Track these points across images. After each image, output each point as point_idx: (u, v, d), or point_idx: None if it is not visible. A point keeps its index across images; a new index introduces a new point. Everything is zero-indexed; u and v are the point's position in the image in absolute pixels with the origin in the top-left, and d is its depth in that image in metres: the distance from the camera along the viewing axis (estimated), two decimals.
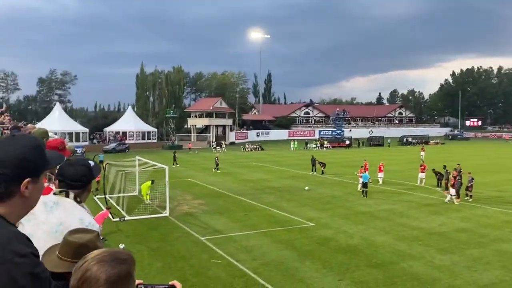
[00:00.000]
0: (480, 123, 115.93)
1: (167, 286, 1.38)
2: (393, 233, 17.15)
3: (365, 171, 26.65)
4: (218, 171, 37.55)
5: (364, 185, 25.38)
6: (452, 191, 22.86)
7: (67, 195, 2.52)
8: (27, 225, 2.28)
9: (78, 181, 2.58)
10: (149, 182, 23.68)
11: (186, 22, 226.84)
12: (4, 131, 9.71)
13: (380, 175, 30.09)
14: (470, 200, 23.14)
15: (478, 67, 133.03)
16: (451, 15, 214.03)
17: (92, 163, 2.69)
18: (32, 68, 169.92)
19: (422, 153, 46.68)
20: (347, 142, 73.68)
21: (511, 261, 13.69)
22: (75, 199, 2.53)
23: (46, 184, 1.87)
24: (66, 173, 2.56)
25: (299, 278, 12.35)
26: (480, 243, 15.72)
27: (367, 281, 12.09)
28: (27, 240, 1.54)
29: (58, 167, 2.70)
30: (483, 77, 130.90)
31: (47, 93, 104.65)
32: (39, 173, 1.69)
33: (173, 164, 41.27)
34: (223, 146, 68.25)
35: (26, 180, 1.60)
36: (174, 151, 47.73)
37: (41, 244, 1.88)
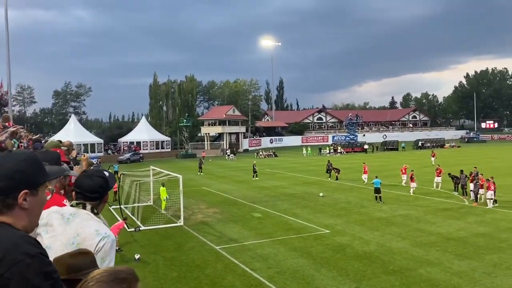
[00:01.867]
0: (496, 125, 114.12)
1: None
2: (410, 238, 16.92)
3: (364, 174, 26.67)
4: (257, 178, 37.61)
5: (377, 190, 25.11)
6: (489, 193, 22.30)
7: (84, 207, 2.55)
8: (45, 237, 2.33)
9: (95, 192, 2.61)
10: (163, 187, 23.85)
11: (198, 32, 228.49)
12: (21, 144, 9.90)
13: (404, 177, 30.91)
14: (490, 206, 22.46)
15: (492, 68, 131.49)
16: (465, 16, 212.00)
17: (107, 173, 2.73)
18: (47, 81, 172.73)
19: (433, 158, 46.14)
20: (366, 146, 73.18)
21: None
22: (92, 210, 2.56)
23: (48, 197, 1.93)
24: (84, 185, 2.59)
25: (315, 287, 12.25)
26: (500, 248, 15.40)
27: None
28: (35, 242, 1.61)
29: (75, 179, 2.76)
30: (498, 78, 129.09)
31: (63, 105, 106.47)
32: (36, 185, 1.73)
33: (199, 172, 43.45)
34: (234, 153, 68.42)
35: (22, 192, 1.66)
36: (199, 160, 48.48)
37: (58, 255, 1.92)
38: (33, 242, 1.60)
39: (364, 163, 35.69)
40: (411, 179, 27.68)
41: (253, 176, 38.16)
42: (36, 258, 1.54)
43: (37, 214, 1.79)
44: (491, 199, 22.29)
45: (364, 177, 33.23)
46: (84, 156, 7.45)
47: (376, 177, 25.87)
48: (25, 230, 1.70)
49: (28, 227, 1.73)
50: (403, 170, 31.60)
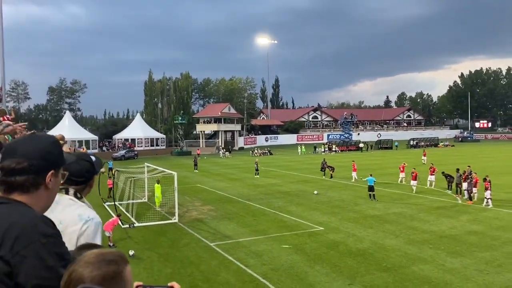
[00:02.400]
0: (490, 124, 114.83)
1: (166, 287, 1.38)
2: (403, 236, 17.03)
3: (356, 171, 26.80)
4: (258, 176, 37.61)
5: (370, 188, 25.21)
6: (487, 193, 22.32)
7: (66, 192, 2.51)
8: None
9: (82, 176, 2.57)
10: (157, 184, 23.83)
11: (194, 29, 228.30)
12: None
13: (402, 175, 31.45)
14: (490, 206, 22.52)
15: (487, 68, 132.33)
16: (459, 16, 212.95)
17: (94, 158, 2.71)
18: (42, 78, 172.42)
19: (424, 157, 46.33)
20: (361, 145, 73.47)
21: None
22: (75, 195, 2.52)
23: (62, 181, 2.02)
24: (71, 169, 2.56)
25: (308, 283, 12.31)
26: (492, 246, 15.54)
27: (377, 285, 12.00)
28: (51, 223, 1.67)
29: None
30: (492, 78, 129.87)
31: (57, 101, 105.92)
32: (59, 166, 1.86)
33: (194, 170, 43.90)
34: (229, 151, 68.42)
35: (50, 172, 1.77)
36: (194, 158, 48.47)
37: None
38: (49, 222, 1.67)
39: (353, 161, 35.92)
40: (413, 177, 27.72)
41: (255, 174, 38.23)
42: (51, 238, 1.61)
43: (54, 195, 1.89)
44: (490, 198, 22.33)
45: (354, 174, 33.66)
46: (83, 149, 7.47)
47: (371, 175, 25.96)
48: (42, 210, 1.78)
49: (45, 208, 1.82)
50: (401, 168, 31.79)
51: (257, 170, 38.50)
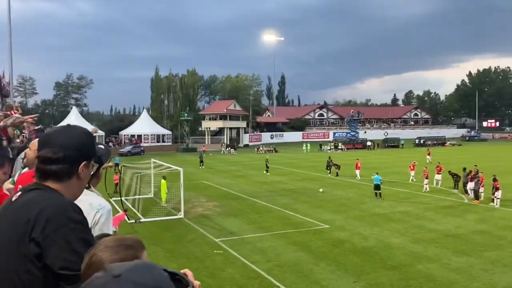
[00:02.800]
0: (497, 124, 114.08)
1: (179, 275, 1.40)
2: (409, 235, 16.99)
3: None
4: (268, 173, 37.69)
5: (376, 187, 25.14)
6: (498, 193, 22.11)
7: None
8: None
9: None
10: (163, 180, 23.94)
11: (200, 26, 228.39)
12: (23, 134, 9.94)
13: (412, 173, 31.35)
14: (497, 206, 22.43)
15: (495, 67, 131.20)
16: (468, 15, 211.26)
17: (102, 147, 2.74)
18: (49, 73, 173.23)
19: (428, 157, 46.09)
20: (369, 143, 73.29)
21: None
22: None
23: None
24: None
25: (313, 280, 12.33)
26: (498, 245, 15.47)
27: (382, 283, 12.00)
28: (80, 210, 1.76)
29: None
30: (500, 77, 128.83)
31: (64, 97, 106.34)
32: (91, 158, 1.94)
33: (200, 166, 44.03)
34: (234, 148, 68.46)
35: (83, 163, 1.86)
36: (200, 154, 48.61)
37: None
38: (78, 210, 1.75)
39: (357, 159, 36.01)
40: (426, 176, 27.52)
41: (266, 171, 38.28)
42: (79, 224, 1.70)
43: (85, 185, 1.99)
44: (499, 198, 22.15)
45: (357, 172, 33.89)
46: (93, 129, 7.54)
47: (377, 173, 25.91)
48: (73, 198, 1.87)
49: (75, 196, 1.90)
50: (412, 167, 31.66)
51: (267, 167, 38.55)
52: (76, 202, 2.44)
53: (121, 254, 1.34)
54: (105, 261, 1.31)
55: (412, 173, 31.41)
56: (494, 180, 22.53)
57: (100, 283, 1.07)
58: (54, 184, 1.82)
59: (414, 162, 32.39)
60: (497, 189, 22.14)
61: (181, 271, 1.42)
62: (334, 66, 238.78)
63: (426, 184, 27.35)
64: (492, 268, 13.14)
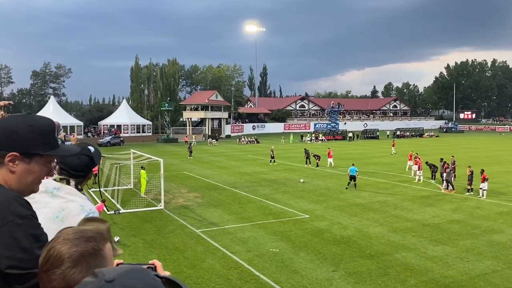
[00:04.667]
0: (474, 116, 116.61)
1: (146, 266, 1.37)
2: (387, 224, 17.27)
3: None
4: (275, 163, 37.65)
5: (352, 178, 25.17)
6: (483, 185, 22.36)
7: (68, 183, 2.52)
8: None
9: (81, 171, 2.58)
10: (142, 170, 23.74)
11: (181, 15, 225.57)
12: None
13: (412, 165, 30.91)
14: (472, 193, 22.98)
15: (472, 60, 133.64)
16: (447, 8, 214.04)
17: (92, 149, 2.69)
18: (25, 61, 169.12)
19: (393, 148, 46.60)
20: (350, 134, 73.93)
21: (503, 252, 13.84)
22: (76, 186, 2.54)
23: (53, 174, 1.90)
24: (69, 163, 2.53)
25: (293, 269, 12.44)
26: (473, 234, 15.86)
27: (360, 272, 12.19)
28: (27, 204, 1.62)
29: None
30: (477, 70, 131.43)
31: (41, 86, 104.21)
32: (28, 152, 1.69)
33: (189, 156, 43.77)
34: (216, 139, 68.22)
35: (10, 153, 1.64)
36: (189, 145, 48.22)
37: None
38: (24, 203, 1.61)
39: (329, 148, 37.33)
40: (419, 167, 27.76)
41: (270, 161, 38.21)
42: (26, 219, 1.56)
43: (27, 182, 1.73)
44: (485, 190, 22.48)
45: (330, 160, 35.05)
46: (73, 136, 7.39)
47: (353, 164, 26.01)
48: (19, 192, 1.70)
49: (18, 191, 1.70)
50: (410, 157, 31.79)
51: (272, 157, 38.40)
52: (69, 202, 2.39)
53: (81, 247, 1.28)
54: (64, 254, 1.25)
55: (410, 162, 31.23)
56: (482, 171, 22.76)
57: None
58: None
59: (412, 152, 31.90)
60: (485, 180, 22.47)
61: (149, 261, 1.39)
62: (315, 58, 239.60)
63: (419, 175, 27.65)
64: (467, 256, 13.48)
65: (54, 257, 1.26)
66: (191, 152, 44.81)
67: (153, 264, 1.38)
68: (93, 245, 1.30)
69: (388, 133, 79.56)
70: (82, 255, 1.27)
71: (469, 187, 23.37)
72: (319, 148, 47.71)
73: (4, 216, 1.52)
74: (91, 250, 1.29)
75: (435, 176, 27.60)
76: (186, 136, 67.36)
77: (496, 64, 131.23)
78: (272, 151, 39.41)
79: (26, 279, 1.48)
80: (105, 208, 18.03)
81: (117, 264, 1.39)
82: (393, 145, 47.86)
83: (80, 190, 2.56)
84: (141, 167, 24.06)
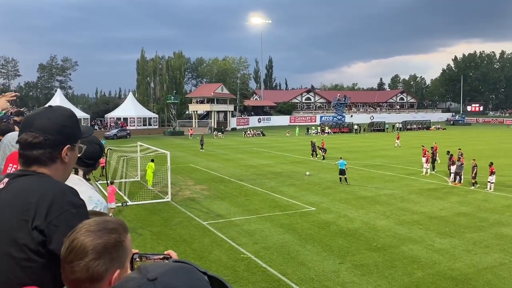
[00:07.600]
0: (481, 108, 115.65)
1: (162, 256, 1.38)
2: (394, 217, 17.26)
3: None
4: (316, 158, 35.93)
5: (341, 172, 24.61)
6: (491, 177, 22.17)
7: (76, 172, 2.53)
8: None
9: (92, 159, 2.60)
10: (151, 163, 23.81)
11: (187, 8, 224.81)
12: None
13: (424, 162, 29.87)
14: (478, 186, 22.83)
15: (480, 52, 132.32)
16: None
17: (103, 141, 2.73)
18: (32, 54, 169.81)
19: (397, 141, 46.32)
20: (356, 127, 73.74)
21: (511, 245, 13.79)
22: (84, 176, 2.55)
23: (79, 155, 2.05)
24: (86, 151, 2.56)
25: (300, 261, 12.48)
26: (480, 227, 15.81)
27: (367, 264, 12.21)
28: (77, 193, 1.73)
29: None
30: (485, 62, 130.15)
31: (48, 79, 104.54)
32: (76, 141, 1.86)
33: (201, 149, 44.03)
34: (222, 132, 68.26)
35: (66, 147, 1.78)
36: (201, 137, 48.10)
37: None
38: (76, 193, 1.72)
39: (322, 140, 38.21)
40: (427, 160, 27.58)
41: (312, 155, 36.73)
42: (80, 208, 1.68)
43: (71, 168, 1.92)
44: (493, 183, 22.31)
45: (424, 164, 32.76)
46: None
47: (341, 158, 25.53)
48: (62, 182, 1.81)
49: (62, 180, 1.83)
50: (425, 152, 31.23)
51: (313, 151, 36.90)
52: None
53: (105, 239, 1.29)
54: (88, 246, 1.27)
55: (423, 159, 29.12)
56: (491, 164, 22.56)
57: (134, 287, 1.01)
58: (39, 169, 1.75)
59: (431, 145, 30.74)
60: (492, 173, 22.29)
61: (165, 252, 1.40)
62: (321, 50, 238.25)
63: (427, 168, 27.40)
64: (474, 249, 13.46)
65: (78, 249, 1.28)
66: (202, 144, 44.85)
67: (168, 255, 1.39)
68: (115, 237, 1.32)
69: (396, 126, 79.02)
70: (105, 247, 1.29)
71: (473, 181, 23.15)
72: (326, 141, 47.48)
73: (61, 205, 1.62)
74: (114, 242, 1.31)
75: (434, 167, 27.67)
76: (191, 129, 67.40)
77: (505, 56, 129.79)
78: (314, 144, 37.13)
79: None
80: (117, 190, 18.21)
81: (133, 254, 1.41)
82: (397, 138, 47.64)
83: (88, 180, 2.58)
84: (151, 160, 24.13)
